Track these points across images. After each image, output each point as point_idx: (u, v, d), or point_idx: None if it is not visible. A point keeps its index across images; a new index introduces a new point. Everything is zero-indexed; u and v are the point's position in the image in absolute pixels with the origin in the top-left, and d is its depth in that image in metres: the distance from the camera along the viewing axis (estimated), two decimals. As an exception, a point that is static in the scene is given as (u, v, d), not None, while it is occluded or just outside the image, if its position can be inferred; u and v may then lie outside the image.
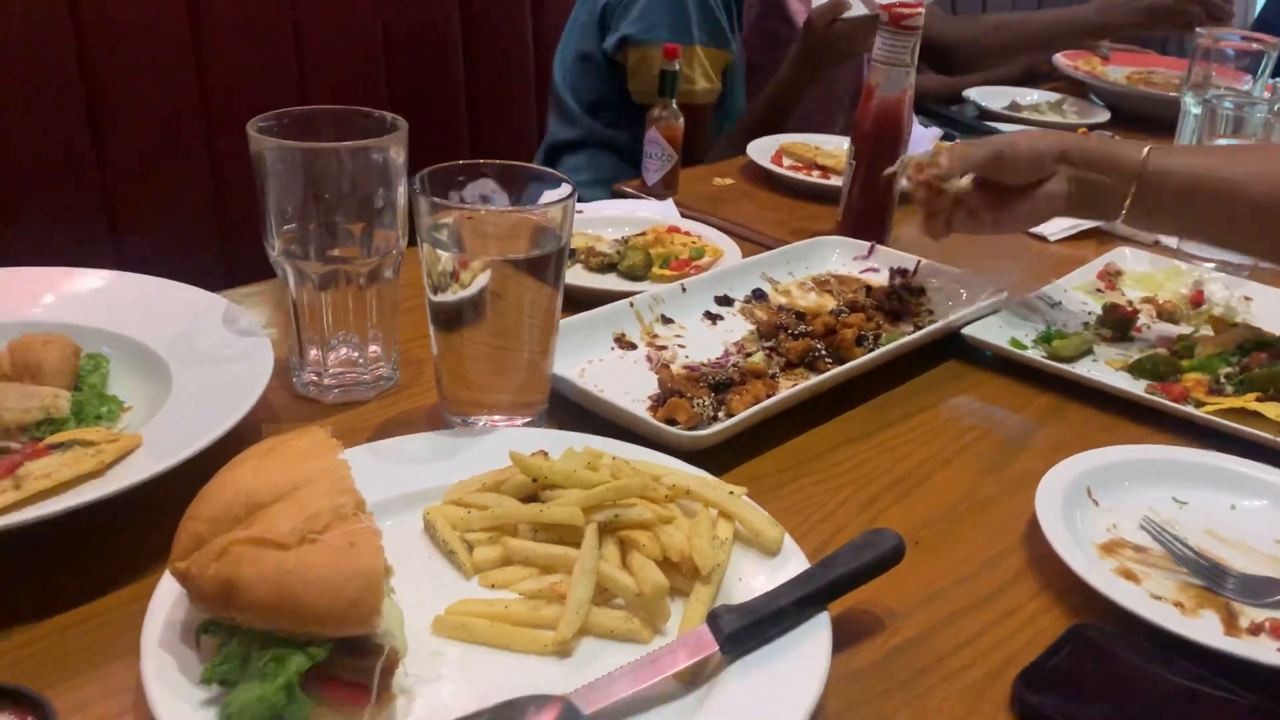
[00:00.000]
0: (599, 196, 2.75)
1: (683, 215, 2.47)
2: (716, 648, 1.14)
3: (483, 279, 1.46)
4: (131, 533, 1.30)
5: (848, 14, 2.92)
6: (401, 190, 1.57)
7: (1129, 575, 1.36)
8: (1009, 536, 1.44)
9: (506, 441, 1.45)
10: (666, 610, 1.24)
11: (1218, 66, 3.00)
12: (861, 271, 2.18)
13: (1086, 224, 2.49)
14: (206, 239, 3.04)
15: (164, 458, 1.28)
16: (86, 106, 2.75)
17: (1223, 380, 1.78)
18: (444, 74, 3.48)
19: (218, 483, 1.11)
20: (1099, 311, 2.03)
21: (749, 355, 1.79)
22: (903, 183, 2.16)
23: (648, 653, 1.16)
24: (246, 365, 1.51)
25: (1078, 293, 2.14)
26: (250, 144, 1.49)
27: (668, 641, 1.18)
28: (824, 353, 1.78)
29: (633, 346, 1.85)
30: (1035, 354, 1.86)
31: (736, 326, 1.94)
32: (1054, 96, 3.84)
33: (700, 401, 1.59)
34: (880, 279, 2.13)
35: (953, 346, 1.93)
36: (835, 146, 2.91)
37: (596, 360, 1.80)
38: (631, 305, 1.90)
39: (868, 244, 2.23)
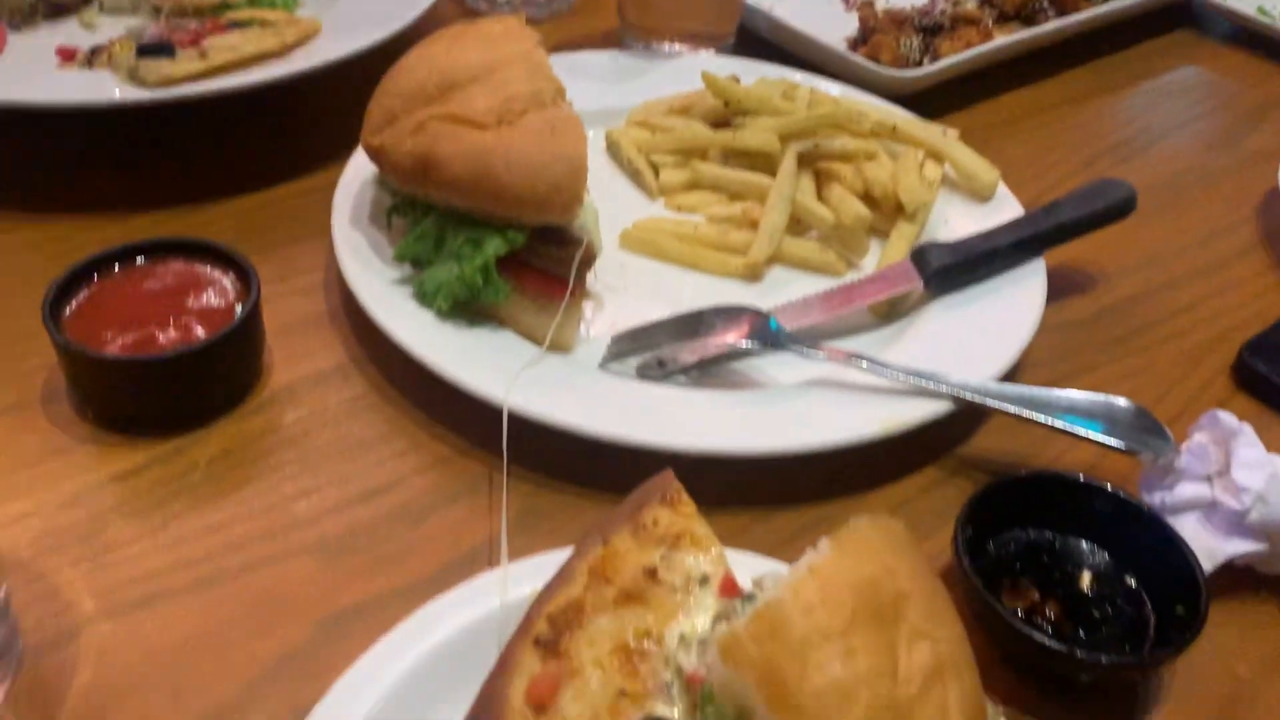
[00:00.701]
0: None
1: None
2: (920, 283, 1.07)
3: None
4: (316, 120, 1.27)
5: None
6: None
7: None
8: (1241, 210, 1.31)
9: (694, 66, 1.34)
10: (864, 244, 1.16)
11: None
12: (1090, -77, 1.91)
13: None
14: None
15: (344, 45, 1.21)
16: None
17: None
18: None
19: (410, 59, 1.04)
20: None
21: (958, 3, 1.61)
22: None
23: (843, 284, 1.10)
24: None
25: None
26: None
27: (863, 276, 1.12)
28: (1046, 4, 1.58)
29: (827, -13, 1.67)
30: (1286, 26, 1.63)
31: (944, -27, 1.74)
32: None
33: (907, 43, 1.44)
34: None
35: (1188, 13, 1.70)
36: None
37: (787, -1, 1.63)
38: (830, -60, 1.71)
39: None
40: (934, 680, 0.59)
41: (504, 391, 0.90)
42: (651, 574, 0.76)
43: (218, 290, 0.95)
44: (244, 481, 0.88)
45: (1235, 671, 0.82)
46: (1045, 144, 1.39)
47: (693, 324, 1.01)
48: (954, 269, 1.07)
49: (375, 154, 1.00)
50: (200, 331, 0.91)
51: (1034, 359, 1.07)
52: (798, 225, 1.18)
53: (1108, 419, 0.91)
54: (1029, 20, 1.59)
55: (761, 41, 1.49)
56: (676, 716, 0.69)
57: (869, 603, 0.59)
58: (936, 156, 1.22)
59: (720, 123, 1.28)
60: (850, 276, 1.15)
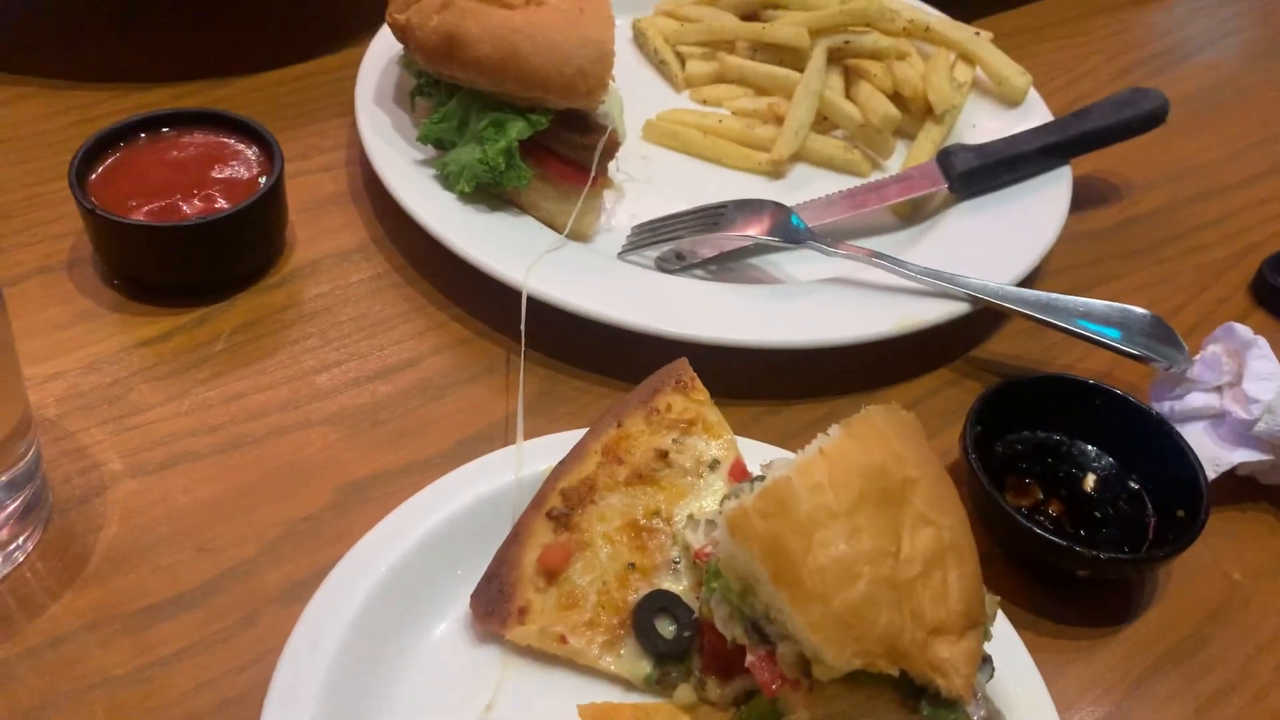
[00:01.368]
0: None
1: None
2: (945, 184, 1.06)
3: None
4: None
5: None
6: None
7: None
8: (1272, 127, 1.29)
9: (727, -44, 1.31)
10: (890, 144, 1.15)
11: None
12: None
13: None
14: None
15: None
16: None
17: None
18: None
19: (438, -66, 1.02)
20: None
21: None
22: None
23: (866, 182, 1.09)
24: None
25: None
26: None
27: (887, 177, 1.11)
28: (1091, -95, 1.53)
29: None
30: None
31: None
32: None
33: (945, -61, 1.40)
34: None
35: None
36: None
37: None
38: None
39: None
40: (935, 564, 0.61)
41: (523, 275, 0.90)
42: (663, 456, 0.77)
43: (242, 162, 0.95)
44: (266, 353, 0.89)
45: (1230, 576, 0.84)
46: (1080, 51, 1.36)
47: (713, 216, 1.01)
48: (979, 172, 1.06)
49: (401, 31, 0.99)
50: (224, 203, 0.91)
51: (1055, 266, 1.07)
52: (824, 122, 1.17)
53: (1123, 327, 0.91)
54: (1073, -78, 1.54)
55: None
56: (683, 590, 0.72)
57: (876, 486, 0.61)
58: (968, 58, 1.20)
59: (749, 15, 1.25)
60: (875, 176, 1.14)
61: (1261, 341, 0.88)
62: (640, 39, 1.27)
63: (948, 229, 1.05)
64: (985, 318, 0.97)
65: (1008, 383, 0.85)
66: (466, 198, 0.98)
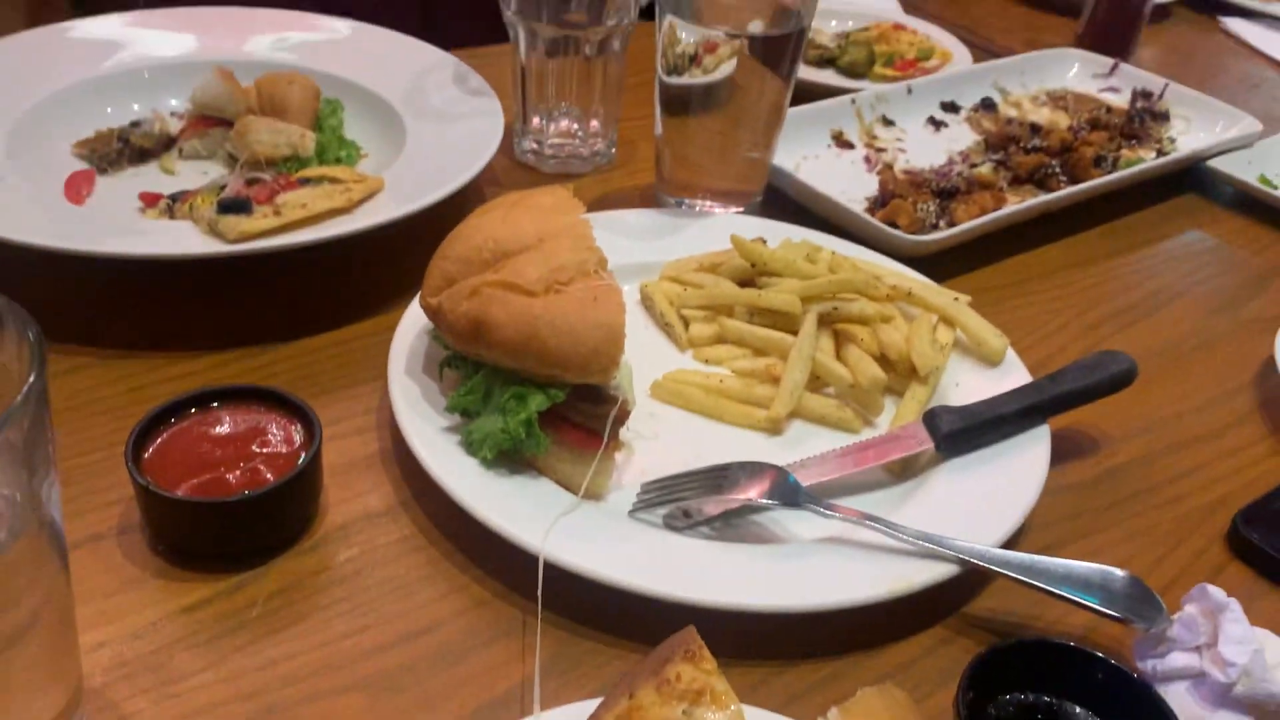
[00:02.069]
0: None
1: (906, 13, 2.34)
2: (932, 444, 1.14)
3: (727, 67, 1.42)
4: (373, 270, 1.38)
5: None
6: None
7: (1368, 432, 1.30)
8: (1239, 377, 1.38)
9: (724, 225, 1.45)
10: (880, 404, 1.24)
11: None
12: (1101, 90, 2.04)
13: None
14: None
15: (406, 202, 1.32)
16: None
17: None
18: None
19: (467, 227, 1.14)
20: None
21: (974, 166, 1.72)
22: None
23: (858, 440, 1.18)
24: (478, 123, 1.54)
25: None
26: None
27: (877, 434, 1.20)
28: (1058, 170, 1.69)
29: (850, 146, 1.79)
30: (1286, 195, 1.73)
31: (961, 135, 1.86)
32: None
33: (924, 207, 1.54)
34: (1121, 101, 1.99)
35: (1193, 179, 1.80)
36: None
37: (812, 157, 1.75)
38: (853, 103, 1.84)
39: (1111, 61, 2.07)
40: None
41: (540, 540, 0.97)
42: (673, 727, 0.82)
43: (284, 435, 1.03)
44: (299, 617, 0.95)
45: (1222, 840, 0.86)
46: (1052, 308, 1.47)
47: (718, 477, 1.08)
48: (963, 434, 1.14)
49: (433, 313, 1.10)
50: (267, 473, 0.99)
51: (1038, 521, 1.13)
52: (817, 381, 1.26)
53: (1104, 589, 0.97)
54: (1042, 184, 1.69)
55: (787, 200, 1.60)
56: None
57: (872, 773, 0.65)
58: (949, 321, 1.31)
59: (747, 281, 1.37)
60: (866, 433, 1.23)
61: (1234, 604, 0.93)
62: (648, 302, 1.39)
63: (936, 488, 1.12)
64: (975, 574, 1.03)
65: (995, 650, 0.90)
66: (488, 463, 1.06)
